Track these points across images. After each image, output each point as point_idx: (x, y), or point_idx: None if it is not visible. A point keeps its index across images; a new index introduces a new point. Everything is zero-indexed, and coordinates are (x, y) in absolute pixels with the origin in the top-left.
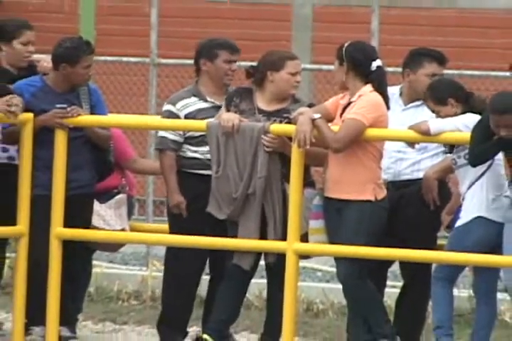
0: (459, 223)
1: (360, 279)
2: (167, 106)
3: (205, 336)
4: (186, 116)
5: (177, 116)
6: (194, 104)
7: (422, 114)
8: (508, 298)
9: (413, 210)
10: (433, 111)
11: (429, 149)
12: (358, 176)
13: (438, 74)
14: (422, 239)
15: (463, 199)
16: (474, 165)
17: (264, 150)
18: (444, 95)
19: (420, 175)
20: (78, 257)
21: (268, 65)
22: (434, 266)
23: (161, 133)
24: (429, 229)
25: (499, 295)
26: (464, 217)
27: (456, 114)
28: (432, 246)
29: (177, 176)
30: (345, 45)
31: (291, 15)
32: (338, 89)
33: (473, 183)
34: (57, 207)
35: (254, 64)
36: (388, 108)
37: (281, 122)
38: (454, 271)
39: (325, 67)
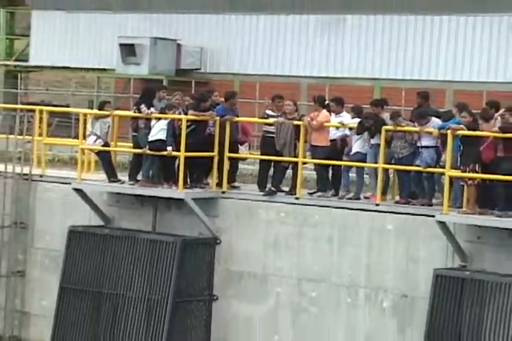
0: (351, 153)
1: (321, 170)
2: (262, 114)
3: (271, 187)
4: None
5: (267, 118)
6: (271, 115)
7: (339, 119)
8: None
9: (335, 149)
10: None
11: (341, 130)
12: (321, 137)
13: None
14: (339, 159)
15: (352, 146)
16: (358, 134)
17: (292, 130)
18: (354, 110)
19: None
20: (233, 162)
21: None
22: (342, 166)
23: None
24: (340, 155)
25: (366, 176)
26: (352, 152)
27: (353, 117)
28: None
29: (264, 138)
30: (316, 96)
31: (300, 86)
32: (314, 110)
33: (356, 141)
34: (228, 145)
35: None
36: (330, 115)
37: (298, 120)
38: (348, 168)
39: (311, 104)
